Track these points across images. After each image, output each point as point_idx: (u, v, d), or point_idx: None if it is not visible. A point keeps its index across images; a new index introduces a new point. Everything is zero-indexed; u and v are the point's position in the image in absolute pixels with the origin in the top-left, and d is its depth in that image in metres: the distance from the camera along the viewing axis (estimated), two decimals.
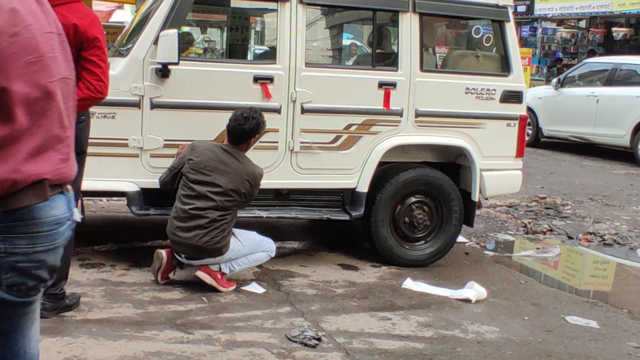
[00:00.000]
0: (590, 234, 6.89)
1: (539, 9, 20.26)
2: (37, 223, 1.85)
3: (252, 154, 4.74)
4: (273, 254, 4.76)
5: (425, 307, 4.54)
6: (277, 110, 4.96)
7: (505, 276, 5.41)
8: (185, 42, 6.04)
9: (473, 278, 5.07)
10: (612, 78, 12.03)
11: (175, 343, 3.72)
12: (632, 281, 5.73)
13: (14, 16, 1.74)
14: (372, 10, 5.33)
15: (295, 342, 3.82)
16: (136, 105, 4.70)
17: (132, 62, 4.69)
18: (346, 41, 10.40)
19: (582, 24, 21.48)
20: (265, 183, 4.72)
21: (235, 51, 6.65)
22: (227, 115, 4.58)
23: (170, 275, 4.61)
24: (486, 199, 5.91)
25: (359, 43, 12.27)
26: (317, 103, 5.03)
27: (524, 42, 19.90)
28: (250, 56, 7.64)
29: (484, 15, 5.63)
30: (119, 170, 4.72)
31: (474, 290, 4.78)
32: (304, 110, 5.01)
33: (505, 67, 5.54)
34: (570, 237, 6.77)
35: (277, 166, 5.01)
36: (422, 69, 5.25)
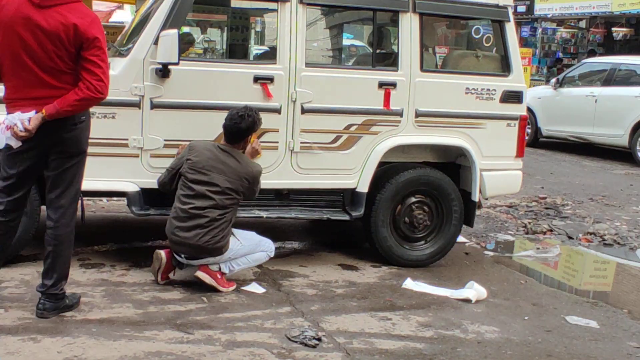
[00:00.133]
0: (590, 234, 6.89)
1: (539, 9, 20.26)
2: None
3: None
4: (272, 254, 4.76)
5: (426, 307, 4.54)
6: (277, 111, 4.95)
7: (506, 276, 5.41)
8: (185, 42, 6.04)
9: (473, 278, 5.07)
10: (611, 78, 12.03)
11: (176, 343, 3.72)
12: (632, 281, 5.73)
13: None
14: (372, 10, 5.33)
15: (296, 342, 3.82)
16: (136, 105, 4.69)
17: (132, 62, 4.69)
18: (346, 41, 10.40)
19: (582, 24, 21.48)
20: (266, 183, 4.73)
21: (236, 51, 6.65)
22: None
23: (170, 275, 4.62)
24: (486, 199, 5.91)
25: (358, 43, 12.27)
26: (317, 103, 5.02)
27: (524, 42, 19.90)
28: (250, 56, 7.64)
29: (484, 15, 5.63)
30: (119, 171, 4.72)
31: (474, 291, 4.78)
32: (304, 110, 5.00)
33: (505, 67, 5.54)
34: (570, 237, 6.77)
35: (277, 166, 5.01)
36: (422, 69, 5.24)
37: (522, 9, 20.38)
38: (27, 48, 3.64)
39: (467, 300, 4.69)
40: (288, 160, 5.04)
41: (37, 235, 4.52)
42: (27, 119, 3.64)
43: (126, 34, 5.43)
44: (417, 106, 5.24)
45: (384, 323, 4.22)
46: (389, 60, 5.57)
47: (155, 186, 4.71)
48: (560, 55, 21.48)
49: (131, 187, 4.75)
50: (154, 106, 4.72)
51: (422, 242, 5.43)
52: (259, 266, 4.94)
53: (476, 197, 5.41)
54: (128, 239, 5.61)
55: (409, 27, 5.19)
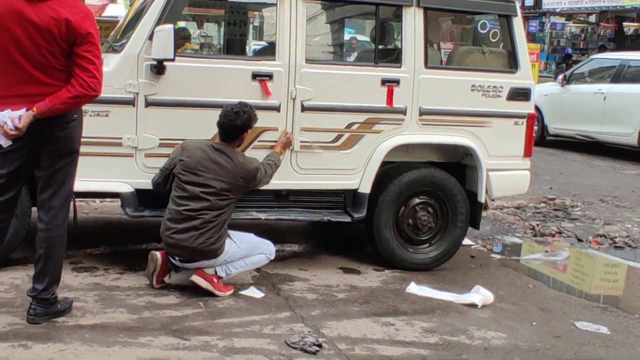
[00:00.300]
0: (601, 236, 6.89)
1: (547, 3, 20.29)
2: None
3: (250, 154, 4.75)
4: (272, 257, 4.76)
5: (430, 312, 4.55)
6: (277, 109, 4.96)
7: (513, 280, 5.41)
8: (181, 38, 6.04)
9: (479, 282, 5.07)
10: (620, 74, 12.02)
11: (171, 349, 3.72)
12: None
13: None
14: (374, 5, 5.33)
15: (295, 348, 3.82)
16: (130, 103, 4.69)
17: (126, 59, 4.69)
18: (348, 36, 10.39)
19: (592, 18, 21.50)
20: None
21: (233, 47, 6.65)
22: None
23: (166, 278, 4.62)
24: (493, 200, 5.90)
25: (360, 37, 12.27)
26: (318, 101, 5.03)
27: (531, 38, 19.92)
28: (248, 52, 7.64)
29: (491, 10, 5.63)
30: (113, 171, 4.72)
31: (480, 295, 4.78)
32: (304, 108, 5.01)
33: (512, 63, 5.54)
34: (579, 240, 6.77)
35: None
36: (426, 65, 5.25)
37: (529, 3, 20.41)
38: (17, 44, 3.64)
39: (473, 305, 4.69)
40: (287, 160, 5.04)
41: (28, 238, 4.52)
42: (17, 117, 3.64)
43: (120, 29, 5.43)
44: (421, 104, 5.24)
45: (386, 329, 4.22)
46: (392, 56, 5.57)
47: (150, 187, 4.72)
48: (570, 51, 21.50)
49: (125, 187, 4.75)
50: (148, 104, 4.73)
51: (427, 244, 5.44)
52: (258, 270, 4.94)
53: (482, 198, 5.41)
54: (122, 241, 5.61)
55: (412, 22, 5.19)
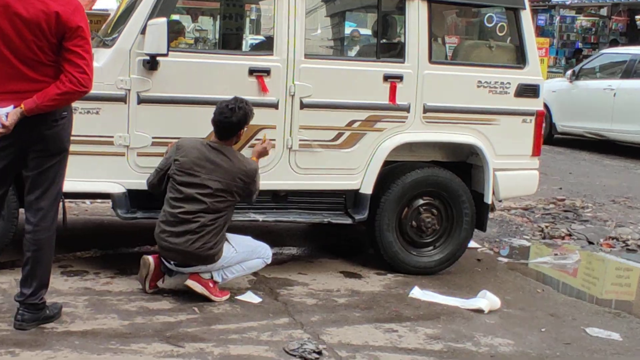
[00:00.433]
0: (612, 238, 6.89)
1: None
2: None
3: (247, 153, 4.76)
4: (269, 261, 4.76)
5: (434, 318, 4.55)
6: (274, 106, 4.96)
7: (521, 284, 5.42)
8: (174, 32, 6.03)
9: (486, 287, 5.07)
10: (631, 70, 12.00)
11: (165, 357, 3.72)
12: None
13: None
14: None
15: (294, 355, 3.82)
16: (122, 99, 4.70)
17: (118, 53, 4.69)
18: (349, 30, 10.38)
19: (604, 11, 21.47)
20: (262, 184, 4.73)
21: (229, 41, 6.64)
22: None
23: (159, 283, 4.62)
24: (500, 201, 5.91)
25: (362, 31, 12.27)
26: (318, 97, 5.03)
27: (540, 32, 19.90)
28: (245, 47, 7.65)
29: (498, 2, 5.63)
30: (104, 170, 4.72)
31: (486, 300, 4.78)
32: (303, 106, 5.01)
33: (520, 58, 5.54)
34: (590, 242, 6.77)
35: (274, 166, 5.02)
36: (430, 60, 5.25)
37: None
38: (4, 38, 3.64)
39: (479, 311, 4.70)
40: (286, 160, 5.04)
41: (16, 240, 4.52)
42: (4, 114, 3.64)
43: (111, 23, 5.44)
44: (426, 101, 5.24)
45: (389, 335, 4.22)
46: (394, 51, 5.57)
47: (143, 187, 4.72)
48: (580, 45, 21.47)
49: (116, 188, 4.75)
50: (141, 101, 4.73)
51: (431, 247, 5.44)
52: (255, 273, 4.95)
53: (489, 199, 5.41)
54: (113, 244, 5.62)
55: (416, 14, 5.19)
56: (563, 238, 6.87)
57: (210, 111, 4.61)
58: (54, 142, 3.80)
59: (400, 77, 5.18)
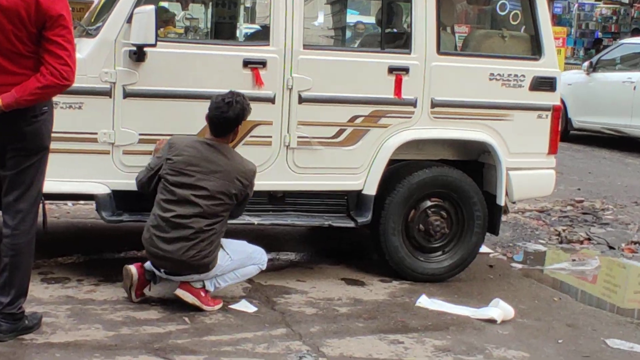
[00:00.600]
0: (635, 243, 6.90)
1: None
2: None
3: (241, 151, 4.75)
4: (264, 267, 4.76)
5: (443, 328, 4.55)
6: (271, 100, 4.96)
7: (536, 292, 5.42)
8: (163, 20, 6.04)
9: (498, 295, 5.08)
10: None
11: None
12: None
13: None
14: None
15: None
16: (107, 93, 4.70)
17: (102, 44, 4.69)
18: (351, 18, 10.36)
19: None
20: (257, 184, 4.72)
21: (222, 31, 6.65)
22: None
23: (146, 291, 4.62)
24: (514, 202, 5.91)
25: (365, 19, 12.27)
26: (317, 91, 5.03)
27: (557, 20, 19.91)
28: (239, 37, 7.64)
29: None
30: (87, 170, 4.73)
31: (499, 309, 4.78)
32: (301, 100, 5.01)
33: (535, 49, 5.55)
34: (611, 247, 6.77)
35: (270, 165, 5.02)
36: (439, 51, 5.25)
37: None
38: None
39: (492, 321, 4.70)
40: (283, 158, 5.04)
41: None
42: None
43: (95, 11, 5.43)
44: (434, 95, 5.24)
45: (395, 347, 4.22)
46: (400, 41, 5.58)
47: (129, 188, 4.72)
48: (600, 35, 21.48)
49: (101, 188, 4.75)
50: (127, 95, 4.73)
51: (439, 252, 5.44)
52: (250, 281, 4.95)
53: (502, 200, 5.41)
54: (97, 249, 5.62)
55: (423, 2, 5.19)
56: (582, 242, 6.87)
57: (202, 106, 4.61)
58: (34, 139, 3.80)
59: (406, 69, 5.18)
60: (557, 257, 6.52)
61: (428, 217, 5.36)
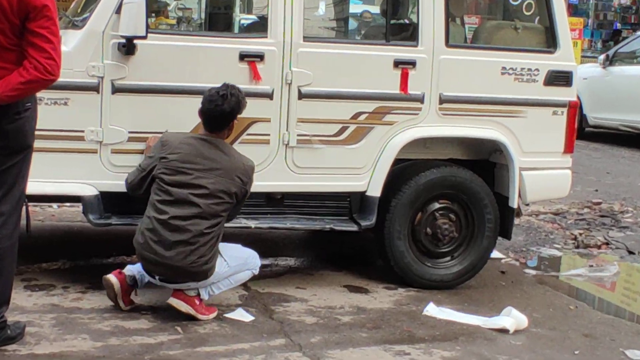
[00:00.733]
0: None
1: None
2: None
3: (237, 150, 4.75)
4: (257, 272, 4.76)
5: (452, 338, 4.55)
6: (269, 95, 4.96)
7: (551, 300, 5.42)
8: (154, 11, 6.05)
9: (511, 303, 5.08)
10: None
11: None
12: None
13: None
14: None
15: None
16: (94, 88, 4.70)
17: (89, 36, 4.69)
18: (355, 8, 10.36)
19: None
20: (255, 185, 4.73)
21: (217, 22, 6.66)
22: None
23: (135, 299, 4.60)
24: (527, 204, 5.91)
25: (372, 10, 12.27)
26: (318, 86, 5.03)
27: (573, 10, 19.91)
28: (235, 28, 7.64)
29: None
30: (73, 170, 4.72)
31: (511, 318, 4.78)
32: (301, 95, 5.01)
33: (550, 41, 5.55)
34: (631, 252, 6.77)
35: (268, 164, 5.02)
36: (447, 44, 5.25)
37: None
38: None
39: (504, 331, 4.70)
40: (282, 157, 5.04)
41: None
42: None
43: (81, 1, 5.43)
44: (442, 90, 5.24)
45: (400, 359, 4.22)
46: (406, 32, 5.58)
47: (118, 189, 4.72)
48: (619, 26, 21.48)
49: (88, 190, 4.75)
50: (116, 90, 4.73)
51: (448, 258, 5.44)
52: (246, 288, 4.96)
53: (515, 202, 5.41)
54: (84, 254, 5.62)
55: None
56: (599, 247, 6.87)
57: (195, 102, 4.61)
58: (16, 137, 3.80)
59: (412, 63, 5.18)
60: (573, 262, 6.52)
61: (436, 220, 5.36)
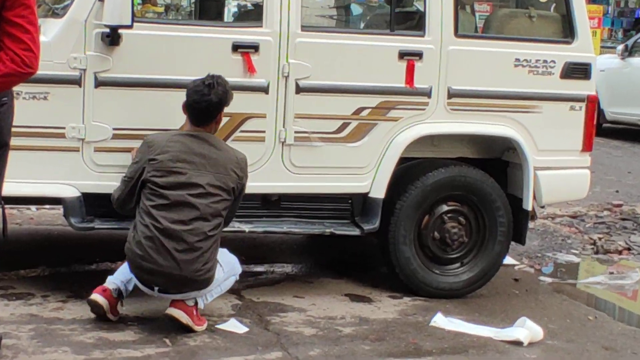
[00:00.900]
0: None
1: None
2: None
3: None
4: (238, 278, 4.80)
5: (462, 351, 4.55)
6: (264, 89, 4.96)
7: (568, 310, 5.42)
8: None
9: (525, 313, 5.07)
10: None
11: None
12: None
13: None
14: None
15: None
16: (76, 82, 4.70)
17: (71, 25, 4.69)
18: None
19: None
20: (249, 186, 4.73)
21: (208, 10, 6.66)
22: None
23: (121, 309, 4.59)
24: (542, 207, 5.91)
25: None
26: (318, 79, 5.04)
27: None
28: (227, 17, 7.65)
29: None
30: (53, 170, 4.73)
31: (526, 330, 4.78)
32: (299, 89, 5.02)
33: (567, 30, 5.55)
34: None
35: (263, 164, 5.02)
36: (457, 33, 5.26)
37: None
38: None
39: (517, 343, 4.69)
40: (278, 156, 5.05)
41: None
42: None
43: None
44: (451, 83, 5.25)
45: None
46: (412, 22, 5.58)
47: (101, 190, 4.72)
48: None
49: (69, 191, 4.74)
50: (99, 83, 4.73)
51: (457, 264, 5.45)
52: (240, 297, 4.96)
53: (529, 204, 5.42)
54: (65, 260, 5.61)
55: None
56: (620, 253, 6.87)
57: (184, 96, 4.61)
58: None
59: (419, 54, 5.18)
60: (592, 269, 6.52)
61: (444, 224, 5.36)
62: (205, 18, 6.43)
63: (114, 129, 4.79)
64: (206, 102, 4.49)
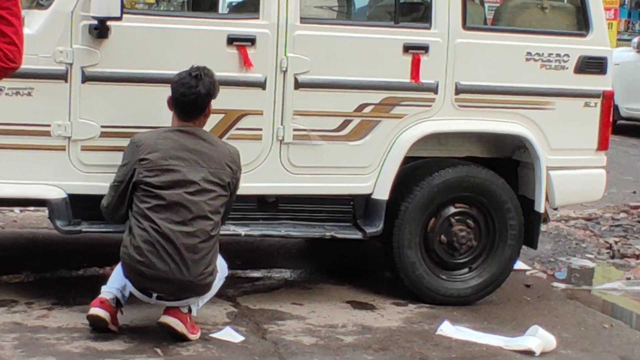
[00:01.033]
0: None
1: None
2: None
3: None
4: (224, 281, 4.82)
5: None
6: (261, 85, 4.96)
7: (582, 318, 5.42)
8: None
9: (537, 321, 5.07)
10: None
11: None
12: None
13: None
14: None
15: None
16: (62, 77, 4.70)
17: (56, 17, 4.69)
18: None
19: None
20: (245, 187, 4.74)
21: (202, 1, 6.66)
22: None
23: (120, 318, 4.57)
24: (555, 209, 5.91)
25: None
26: (317, 74, 5.04)
27: None
28: (222, 8, 7.65)
29: None
30: (38, 169, 4.72)
31: (538, 339, 4.78)
32: (298, 85, 5.02)
33: (582, 23, 5.55)
34: None
35: (260, 163, 5.02)
36: (465, 26, 5.26)
37: None
38: None
39: (529, 352, 4.70)
40: (276, 155, 5.05)
41: None
42: None
43: None
44: (458, 78, 5.25)
45: None
46: (418, 13, 5.58)
47: (89, 191, 4.73)
48: None
49: (55, 192, 4.74)
50: (86, 78, 4.73)
51: (466, 269, 5.45)
52: (235, 304, 4.96)
53: (541, 206, 5.41)
54: (50, 265, 5.61)
55: None
56: (638, 257, 6.87)
57: None
58: None
59: (425, 48, 5.18)
60: (608, 275, 6.52)
61: (452, 227, 5.36)
62: (199, 9, 6.44)
63: (102, 126, 4.79)
64: (194, 95, 4.49)
